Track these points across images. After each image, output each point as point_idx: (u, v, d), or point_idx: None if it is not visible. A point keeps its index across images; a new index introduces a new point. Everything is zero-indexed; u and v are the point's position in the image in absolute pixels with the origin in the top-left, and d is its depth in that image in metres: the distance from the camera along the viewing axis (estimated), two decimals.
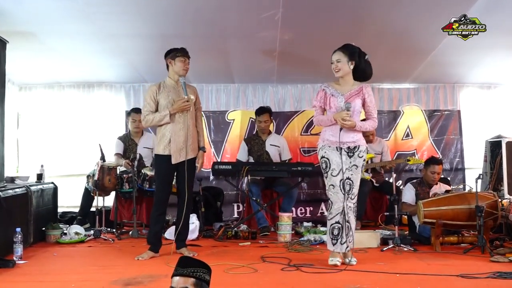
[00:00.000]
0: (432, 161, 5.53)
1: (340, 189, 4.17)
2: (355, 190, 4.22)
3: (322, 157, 4.27)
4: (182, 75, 4.64)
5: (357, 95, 4.24)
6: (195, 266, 2.42)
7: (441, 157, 7.15)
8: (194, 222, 5.56)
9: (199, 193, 6.08)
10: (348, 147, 4.22)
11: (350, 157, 4.22)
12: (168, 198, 4.73)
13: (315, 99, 4.40)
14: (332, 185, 4.21)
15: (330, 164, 4.22)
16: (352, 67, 4.23)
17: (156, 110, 4.64)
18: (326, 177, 4.25)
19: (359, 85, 4.28)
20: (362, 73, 4.29)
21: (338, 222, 4.19)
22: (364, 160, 4.30)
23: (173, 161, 4.56)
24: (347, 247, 4.21)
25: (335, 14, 5.02)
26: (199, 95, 7.37)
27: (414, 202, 5.33)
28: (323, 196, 6.80)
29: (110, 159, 6.22)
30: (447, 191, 5.29)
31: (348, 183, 4.19)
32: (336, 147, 4.21)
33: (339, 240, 4.20)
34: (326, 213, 4.45)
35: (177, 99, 4.59)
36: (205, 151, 4.86)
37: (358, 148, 4.24)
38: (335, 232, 4.20)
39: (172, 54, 4.64)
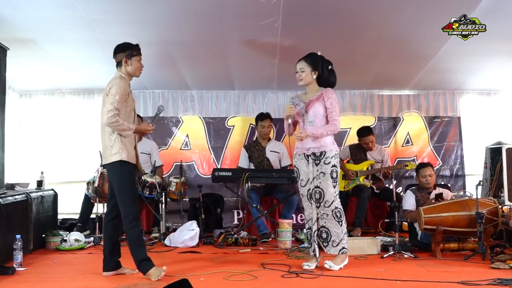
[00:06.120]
0: (420, 166, 5.67)
1: (308, 199, 4.36)
2: (328, 197, 4.26)
3: (294, 165, 4.46)
4: (137, 76, 4.23)
5: (317, 100, 4.35)
6: None
7: (441, 163, 7.17)
8: (194, 228, 5.55)
9: (199, 200, 6.07)
10: (314, 154, 4.30)
11: (316, 164, 4.30)
12: None
13: None
14: (302, 194, 4.42)
15: (299, 174, 4.41)
16: (315, 76, 4.38)
17: None
18: (298, 186, 4.45)
19: (320, 91, 4.38)
20: (325, 81, 4.42)
21: (310, 228, 4.39)
22: (334, 166, 4.27)
23: (139, 174, 4.20)
24: (316, 253, 4.31)
25: (335, 21, 5.04)
26: (200, 101, 7.49)
27: (415, 209, 5.32)
28: None
29: None
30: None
31: (317, 191, 4.29)
32: (304, 154, 4.34)
33: (313, 244, 4.37)
34: None
35: (144, 124, 4.34)
36: None
37: (324, 154, 4.28)
38: (309, 237, 4.44)
39: (128, 52, 4.15)
